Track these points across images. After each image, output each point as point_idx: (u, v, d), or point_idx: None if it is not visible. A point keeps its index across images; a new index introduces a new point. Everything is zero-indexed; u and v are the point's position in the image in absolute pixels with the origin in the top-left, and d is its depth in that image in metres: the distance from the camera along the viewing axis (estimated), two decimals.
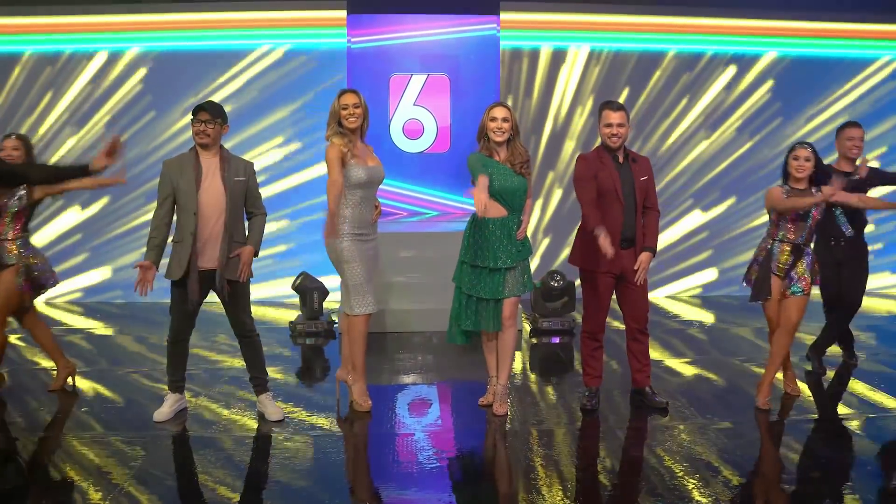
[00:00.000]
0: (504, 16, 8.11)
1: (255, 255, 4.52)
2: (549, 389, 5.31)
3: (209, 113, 4.40)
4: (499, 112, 4.54)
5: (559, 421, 4.63)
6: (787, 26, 8.35)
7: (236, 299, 4.51)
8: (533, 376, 5.69)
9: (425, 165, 8.46)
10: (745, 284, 4.88)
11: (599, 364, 4.82)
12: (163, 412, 4.58)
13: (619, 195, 4.55)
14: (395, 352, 6.21)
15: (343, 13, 7.95)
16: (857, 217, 5.27)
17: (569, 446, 4.29)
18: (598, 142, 4.74)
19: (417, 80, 8.34)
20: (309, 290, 6.78)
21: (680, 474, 3.85)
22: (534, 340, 6.61)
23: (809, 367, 5.53)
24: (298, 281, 6.86)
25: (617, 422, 4.63)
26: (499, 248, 4.52)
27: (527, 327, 6.91)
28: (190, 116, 4.47)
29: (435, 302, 6.83)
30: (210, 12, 7.98)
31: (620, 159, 4.62)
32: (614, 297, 4.78)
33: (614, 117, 4.58)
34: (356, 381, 4.74)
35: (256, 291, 7.95)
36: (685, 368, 5.74)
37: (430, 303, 6.84)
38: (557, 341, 6.61)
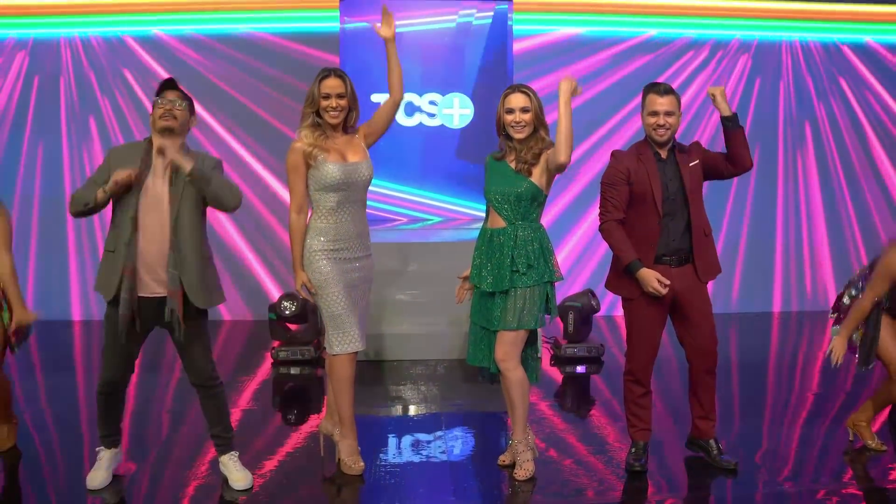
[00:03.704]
0: None
1: (192, 175, 3.31)
2: (583, 440, 4.32)
3: (178, 91, 3.45)
4: (516, 100, 3.54)
5: (599, 487, 3.67)
6: None
7: (191, 338, 3.49)
8: (561, 421, 4.73)
9: (427, 165, 7.53)
10: (832, 317, 3.90)
11: (647, 413, 3.85)
12: (98, 477, 3.58)
13: (657, 202, 3.60)
14: (393, 385, 5.25)
15: None
16: None
17: None
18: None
19: (420, 71, 7.42)
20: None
21: None
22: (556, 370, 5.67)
23: None
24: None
25: (672, 489, 3.67)
26: (484, 266, 3.59)
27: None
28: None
29: (441, 324, 5.90)
30: None
31: (664, 155, 3.67)
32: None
33: (661, 103, 3.60)
34: (344, 437, 3.78)
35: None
36: (750, 412, 4.77)
37: (435, 325, 5.90)
38: (584, 371, 5.66)
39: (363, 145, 3.72)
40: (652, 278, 3.55)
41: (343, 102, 3.61)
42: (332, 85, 3.59)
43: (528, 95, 3.56)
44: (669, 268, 3.65)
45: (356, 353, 3.69)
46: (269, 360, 5.78)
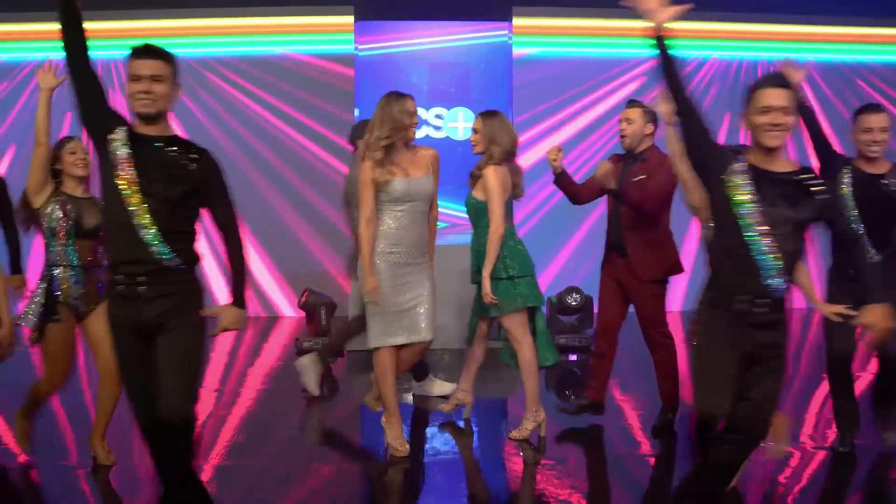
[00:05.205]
0: (517, 21, 7.84)
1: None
2: (568, 413, 4.99)
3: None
4: (475, 123, 4.32)
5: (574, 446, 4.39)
6: None
7: None
8: (553, 398, 5.39)
9: None
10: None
11: (602, 374, 4.50)
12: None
13: (612, 195, 4.34)
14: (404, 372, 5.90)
15: (350, 18, 7.70)
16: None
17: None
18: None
19: (427, 86, 8.09)
20: (317, 308, 6.51)
21: None
22: None
23: None
24: (304, 299, 6.58)
25: (630, 444, 4.35)
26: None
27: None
28: None
29: (445, 317, 6.53)
30: (217, 18, 7.75)
31: (625, 159, 4.38)
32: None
33: (624, 112, 4.35)
34: (390, 425, 4.13)
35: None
36: None
37: (440, 318, 6.52)
38: (575, 358, 6.33)
39: (427, 163, 4.06)
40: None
41: (415, 120, 4.01)
42: (413, 104, 3.96)
43: (480, 117, 4.28)
44: (618, 257, 4.35)
45: (394, 347, 4.04)
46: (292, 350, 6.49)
